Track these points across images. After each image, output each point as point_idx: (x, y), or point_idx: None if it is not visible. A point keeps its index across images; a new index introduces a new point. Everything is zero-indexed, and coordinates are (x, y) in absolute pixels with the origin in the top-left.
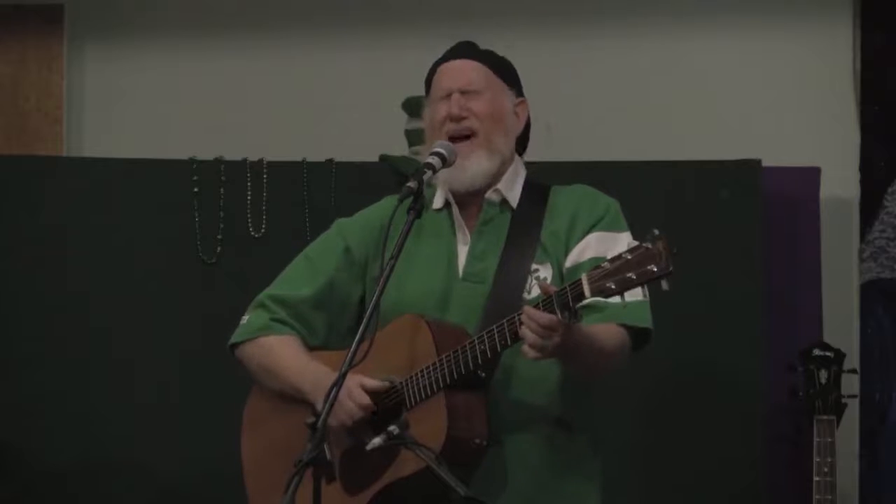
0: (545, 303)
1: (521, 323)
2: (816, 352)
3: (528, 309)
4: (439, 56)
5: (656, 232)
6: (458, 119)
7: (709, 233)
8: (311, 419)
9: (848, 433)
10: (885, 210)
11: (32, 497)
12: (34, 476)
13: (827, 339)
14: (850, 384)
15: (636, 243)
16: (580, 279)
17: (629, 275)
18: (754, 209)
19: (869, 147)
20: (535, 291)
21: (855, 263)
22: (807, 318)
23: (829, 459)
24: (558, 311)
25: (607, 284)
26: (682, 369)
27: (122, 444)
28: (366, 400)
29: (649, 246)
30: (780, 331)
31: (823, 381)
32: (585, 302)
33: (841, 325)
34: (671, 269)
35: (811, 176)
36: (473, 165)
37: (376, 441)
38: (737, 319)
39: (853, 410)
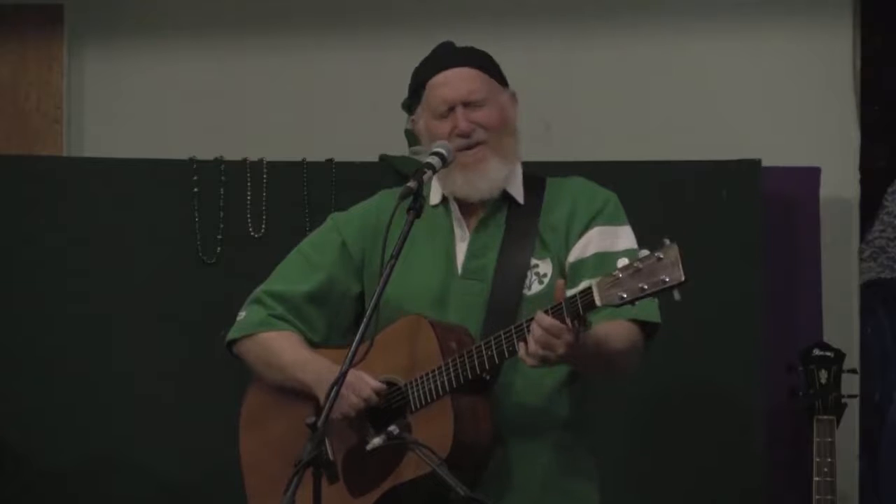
0: (555, 310)
1: (528, 330)
2: (816, 352)
3: (538, 316)
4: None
5: (667, 241)
6: (467, 134)
7: (709, 233)
8: (311, 419)
9: (848, 433)
10: (885, 210)
11: (32, 497)
12: (34, 476)
13: (827, 339)
14: (850, 384)
15: (647, 252)
16: (590, 288)
17: (641, 285)
18: (754, 209)
19: (869, 147)
20: (536, 287)
21: (855, 263)
22: (807, 318)
23: (829, 459)
24: (568, 320)
25: (619, 293)
26: (682, 369)
27: (122, 444)
28: (367, 391)
29: (660, 256)
30: (780, 331)
31: (823, 381)
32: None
33: (841, 325)
34: (684, 279)
35: (811, 176)
36: (490, 174)
37: (376, 441)
38: (736, 319)
39: (853, 410)
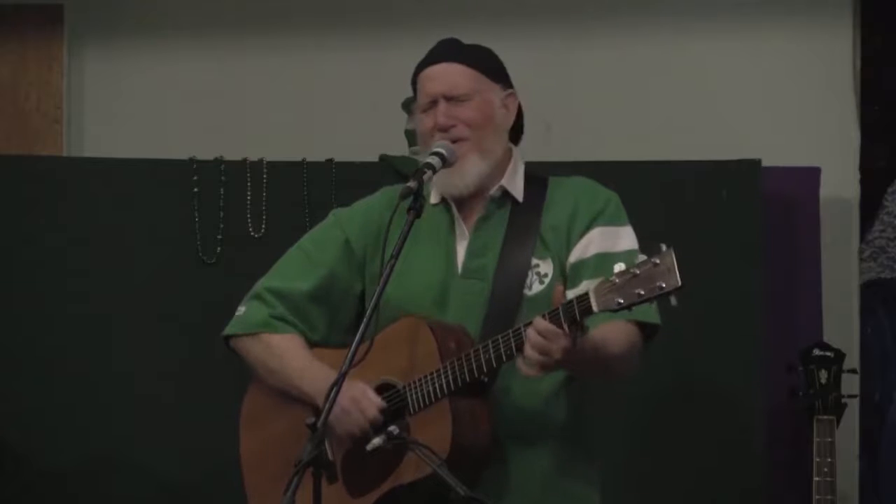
0: (552, 315)
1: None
2: (816, 352)
3: (535, 321)
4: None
5: (664, 247)
6: (446, 129)
7: (709, 233)
8: (311, 419)
9: (848, 433)
10: (884, 210)
11: (32, 497)
12: (34, 476)
13: (827, 339)
14: (850, 384)
15: (644, 257)
16: (587, 294)
17: (638, 290)
18: (754, 209)
19: (869, 147)
20: (536, 287)
21: (855, 263)
22: (807, 318)
23: (829, 459)
24: (565, 325)
25: (616, 299)
26: (682, 370)
27: (122, 444)
28: (373, 412)
29: (657, 262)
30: (780, 331)
31: (823, 381)
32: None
33: (841, 325)
34: (680, 284)
35: (811, 176)
36: (467, 170)
37: (376, 441)
38: (736, 319)
39: (853, 410)
